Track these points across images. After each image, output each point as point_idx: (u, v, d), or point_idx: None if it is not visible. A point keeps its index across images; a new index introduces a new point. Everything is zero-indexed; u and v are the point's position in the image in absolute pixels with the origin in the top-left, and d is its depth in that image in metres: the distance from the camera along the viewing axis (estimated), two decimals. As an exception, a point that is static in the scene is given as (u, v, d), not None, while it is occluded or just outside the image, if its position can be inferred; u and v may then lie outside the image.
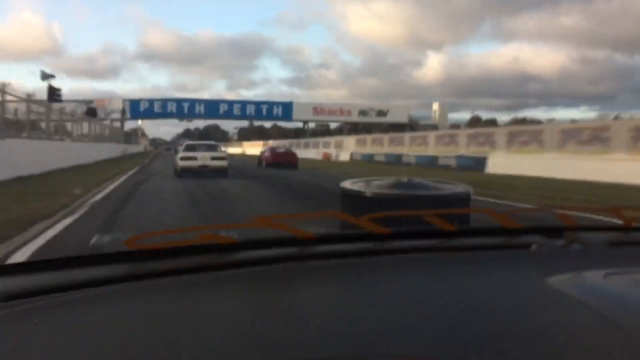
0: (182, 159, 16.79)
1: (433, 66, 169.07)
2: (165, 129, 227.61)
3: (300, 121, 63.79)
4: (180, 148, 18.86)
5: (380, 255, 1.10)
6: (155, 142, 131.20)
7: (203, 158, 16.74)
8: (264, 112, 61.38)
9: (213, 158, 16.91)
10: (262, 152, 29.40)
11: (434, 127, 51.57)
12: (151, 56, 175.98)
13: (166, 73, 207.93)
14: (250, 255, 1.01)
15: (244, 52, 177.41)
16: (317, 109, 61.65)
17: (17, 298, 0.76)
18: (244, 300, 0.83)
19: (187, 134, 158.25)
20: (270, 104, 61.77)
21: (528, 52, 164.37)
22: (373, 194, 4.28)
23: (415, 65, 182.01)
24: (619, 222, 1.22)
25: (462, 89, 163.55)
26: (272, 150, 28.72)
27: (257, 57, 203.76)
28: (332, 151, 45.11)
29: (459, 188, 4.54)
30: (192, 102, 59.97)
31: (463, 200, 4.34)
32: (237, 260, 0.98)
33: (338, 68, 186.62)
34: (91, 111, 44.25)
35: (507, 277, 0.93)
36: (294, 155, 27.90)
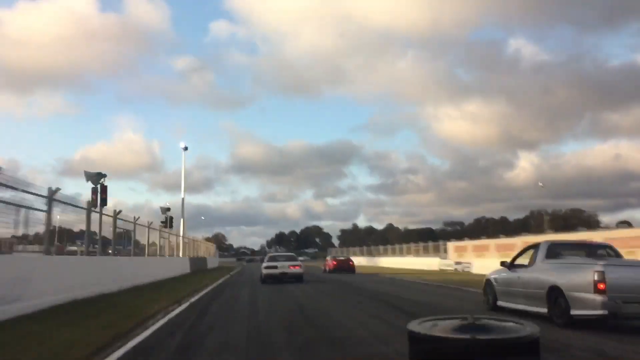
0: (266, 267, 20.99)
1: (525, 167, 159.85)
2: (253, 240, 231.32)
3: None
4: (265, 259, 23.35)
5: None
6: (239, 253, 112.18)
7: (282, 267, 20.87)
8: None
9: (291, 267, 21.00)
10: (326, 260, 37.71)
11: None
12: (242, 168, 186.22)
13: (256, 184, 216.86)
14: None
15: (333, 160, 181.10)
16: None
17: None
18: None
19: (279, 239, 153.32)
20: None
21: (628, 149, 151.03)
22: (436, 338, 4.33)
23: (507, 167, 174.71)
24: None
25: (557, 190, 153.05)
26: (334, 258, 36.90)
27: (345, 164, 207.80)
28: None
29: (527, 330, 4.43)
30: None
31: (530, 344, 4.22)
32: None
33: (425, 172, 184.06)
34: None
35: None
36: (351, 261, 34.87)
